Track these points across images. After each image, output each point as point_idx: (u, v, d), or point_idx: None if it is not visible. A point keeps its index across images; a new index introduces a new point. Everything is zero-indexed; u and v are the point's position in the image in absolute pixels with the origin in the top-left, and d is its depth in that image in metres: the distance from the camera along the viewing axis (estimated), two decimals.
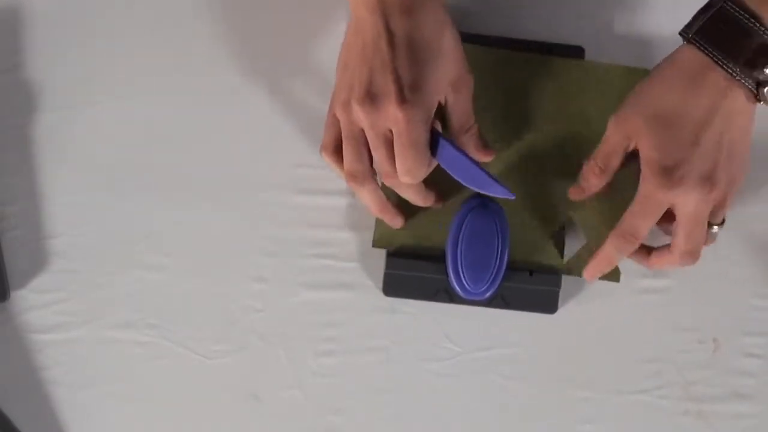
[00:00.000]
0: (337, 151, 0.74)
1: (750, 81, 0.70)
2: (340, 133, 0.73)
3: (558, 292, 0.80)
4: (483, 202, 0.78)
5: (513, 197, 0.73)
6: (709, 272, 0.82)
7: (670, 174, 0.71)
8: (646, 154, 0.72)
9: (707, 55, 0.71)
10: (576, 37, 0.82)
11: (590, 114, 0.80)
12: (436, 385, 0.79)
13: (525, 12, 0.83)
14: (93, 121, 0.81)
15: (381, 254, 0.80)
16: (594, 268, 0.77)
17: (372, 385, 0.81)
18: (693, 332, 0.82)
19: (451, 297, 0.80)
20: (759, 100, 0.71)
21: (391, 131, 0.71)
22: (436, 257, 0.79)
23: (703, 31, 0.71)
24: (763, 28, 0.70)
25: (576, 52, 0.81)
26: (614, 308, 0.82)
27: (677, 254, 0.74)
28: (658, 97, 0.72)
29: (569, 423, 0.81)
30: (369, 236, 0.81)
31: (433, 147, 0.72)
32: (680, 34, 0.72)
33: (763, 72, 0.70)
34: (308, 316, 0.81)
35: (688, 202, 0.72)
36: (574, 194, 0.78)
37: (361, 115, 0.70)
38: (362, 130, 0.72)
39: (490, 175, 0.73)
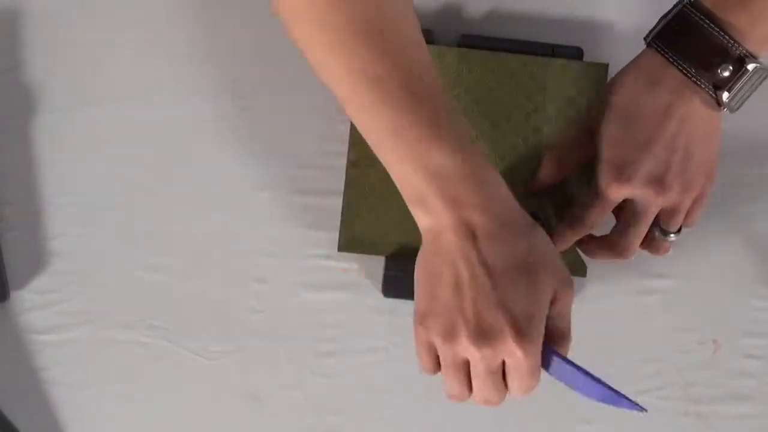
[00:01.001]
0: (438, 370, 0.71)
1: (706, 83, 0.71)
2: (437, 356, 0.70)
3: None
4: None
5: (646, 411, 0.71)
6: (709, 273, 0.82)
7: (620, 172, 0.72)
8: (602, 150, 0.73)
9: (663, 55, 0.71)
10: (575, 38, 0.82)
11: (567, 113, 0.80)
12: (435, 386, 0.79)
13: (524, 13, 0.83)
14: (93, 121, 0.81)
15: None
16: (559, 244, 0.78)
17: (372, 386, 0.81)
18: (693, 333, 0.82)
19: None
20: (720, 105, 0.71)
21: (503, 361, 0.68)
22: None
23: (661, 34, 0.72)
24: (717, 29, 0.70)
25: (575, 52, 0.81)
26: (614, 308, 0.82)
27: (608, 245, 0.76)
28: (618, 95, 0.73)
29: (569, 423, 0.81)
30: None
31: (543, 359, 0.69)
32: (644, 39, 0.73)
33: (719, 73, 0.70)
34: (308, 316, 0.81)
35: (635, 202, 0.73)
36: (534, 185, 0.79)
37: (472, 352, 0.67)
38: (467, 360, 0.68)
39: (614, 390, 0.70)
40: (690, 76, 0.71)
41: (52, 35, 0.82)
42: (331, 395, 0.80)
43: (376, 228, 0.79)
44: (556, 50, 0.81)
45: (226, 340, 0.80)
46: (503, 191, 0.68)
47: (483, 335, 0.66)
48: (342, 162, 0.80)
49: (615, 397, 0.69)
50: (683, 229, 0.76)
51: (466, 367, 0.69)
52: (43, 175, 0.81)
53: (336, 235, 0.81)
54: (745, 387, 0.81)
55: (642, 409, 0.70)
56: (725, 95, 0.71)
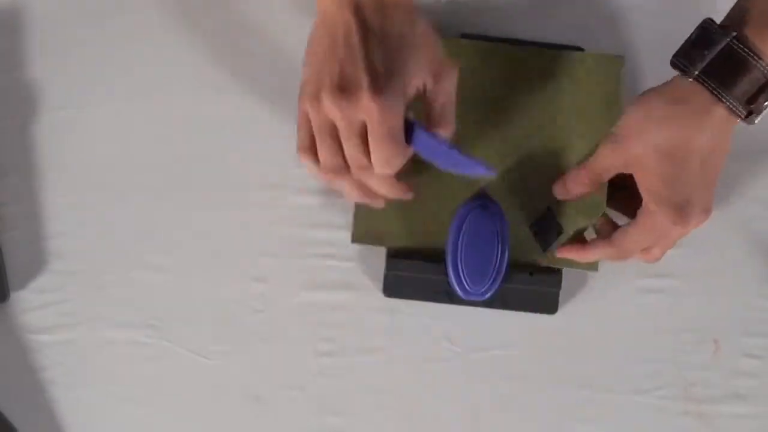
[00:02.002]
0: (314, 150, 0.72)
1: (744, 112, 0.71)
2: (310, 127, 0.71)
3: (558, 293, 0.80)
4: (483, 203, 0.78)
5: (494, 174, 0.71)
6: (709, 272, 0.82)
7: (680, 211, 0.72)
8: (654, 188, 0.72)
9: (713, 93, 0.70)
10: (575, 37, 0.82)
11: (582, 105, 0.80)
12: (436, 386, 0.79)
13: (524, 12, 0.83)
14: (93, 121, 0.81)
15: (381, 254, 0.80)
16: (568, 252, 0.78)
17: (372, 386, 0.81)
18: (693, 333, 0.82)
19: (451, 298, 0.80)
20: (747, 123, 0.71)
21: (364, 123, 0.69)
22: (436, 258, 0.79)
23: (708, 69, 0.70)
24: (764, 66, 0.69)
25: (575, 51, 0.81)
26: (614, 308, 0.82)
27: (642, 255, 0.77)
28: (664, 133, 0.71)
29: (569, 423, 0.81)
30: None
31: (407, 135, 0.70)
32: (677, 65, 0.71)
33: (760, 105, 0.70)
34: (308, 316, 0.81)
35: (685, 232, 0.74)
36: (559, 193, 0.79)
37: (332, 108, 0.68)
38: (334, 124, 0.70)
39: (467, 156, 0.71)
40: (738, 113, 0.70)
41: (52, 35, 0.82)
42: (331, 395, 0.80)
43: (388, 219, 0.79)
44: (556, 49, 0.81)
45: (226, 340, 0.80)
46: None
47: (342, 89, 0.68)
48: None
49: (472, 164, 0.71)
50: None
51: (334, 134, 0.70)
52: (44, 175, 0.81)
53: (336, 235, 0.81)
54: (746, 387, 0.82)
55: (490, 172, 0.71)
56: (757, 119, 0.71)
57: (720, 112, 0.70)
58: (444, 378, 0.81)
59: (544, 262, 0.80)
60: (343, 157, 0.71)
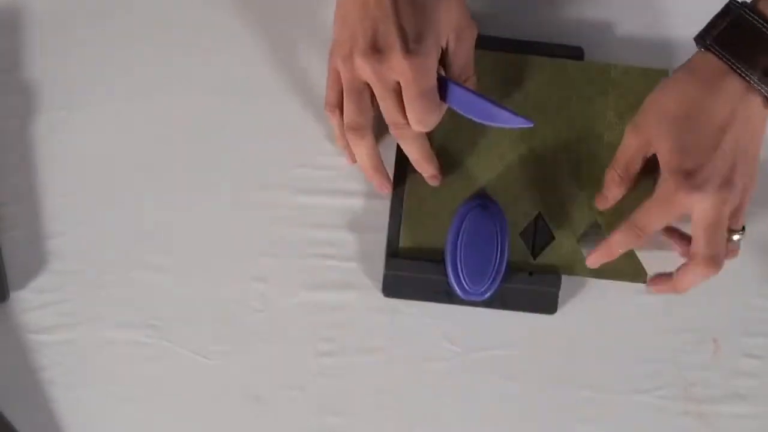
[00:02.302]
0: (341, 107, 0.75)
1: (766, 88, 0.70)
2: (342, 88, 0.74)
3: (557, 293, 0.80)
4: (482, 203, 0.78)
5: (531, 124, 0.73)
6: None
7: (692, 177, 0.71)
8: (667, 157, 0.72)
9: (725, 62, 0.71)
10: (575, 37, 0.82)
11: (590, 113, 0.80)
12: (436, 386, 0.79)
13: (524, 13, 0.83)
14: (93, 121, 0.81)
15: (381, 255, 0.80)
16: (596, 256, 0.78)
17: (372, 386, 0.81)
18: (693, 333, 0.82)
19: (450, 298, 0.80)
20: None
21: (398, 82, 0.71)
22: (436, 258, 0.79)
23: (720, 38, 0.71)
24: None
25: (575, 52, 0.81)
26: (614, 309, 0.82)
27: (700, 261, 0.73)
28: (677, 101, 0.72)
29: (569, 423, 0.81)
30: (369, 237, 0.81)
31: (441, 91, 0.73)
32: (696, 40, 0.72)
33: None
34: (308, 316, 0.81)
35: (707, 207, 0.71)
36: (599, 203, 0.79)
37: (366, 68, 0.71)
38: (365, 83, 0.72)
39: (503, 107, 0.73)
40: (753, 82, 0.70)
41: (52, 35, 0.82)
42: (331, 395, 0.80)
43: (433, 233, 0.79)
44: (557, 50, 0.81)
45: (226, 340, 0.80)
46: None
47: (375, 49, 0.70)
48: (341, 161, 0.81)
49: (509, 115, 0.72)
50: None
51: (364, 92, 0.73)
52: (43, 175, 0.81)
53: (336, 235, 0.81)
54: (746, 387, 0.81)
55: (528, 123, 0.72)
56: None
57: (734, 81, 0.70)
58: (444, 378, 0.81)
59: (584, 273, 0.80)
60: (367, 116, 0.74)
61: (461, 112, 0.73)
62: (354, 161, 0.79)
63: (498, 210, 0.79)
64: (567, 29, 0.82)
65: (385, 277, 0.80)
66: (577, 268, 0.80)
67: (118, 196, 0.81)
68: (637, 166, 0.76)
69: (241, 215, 0.81)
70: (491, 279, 0.78)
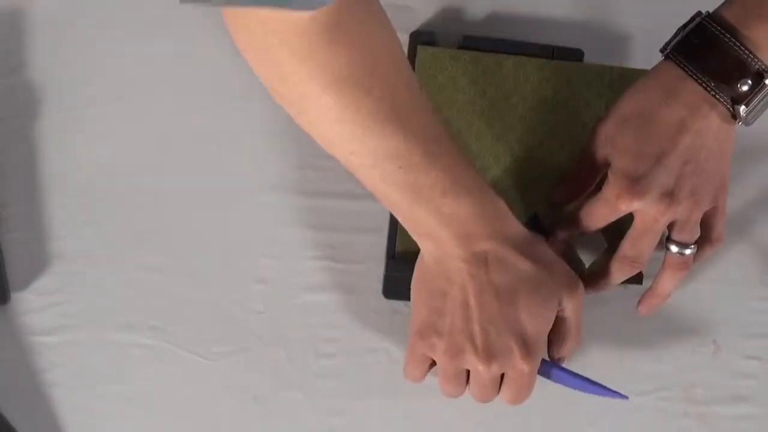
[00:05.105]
0: (421, 377, 0.76)
1: (725, 97, 0.70)
2: (428, 368, 0.75)
3: None
4: None
5: (627, 398, 0.76)
6: (708, 274, 0.82)
7: (632, 184, 0.71)
8: (615, 160, 0.72)
9: (682, 68, 0.70)
10: (575, 39, 0.82)
11: (588, 115, 0.80)
12: (436, 387, 0.79)
13: (524, 15, 0.83)
14: (94, 122, 0.81)
15: (381, 256, 0.80)
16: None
17: (372, 387, 0.81)
18: (693, 334, 0.82)
19: None
20: (735, 119, 0.71)
21: (503, 373, 0.72)
22: None
23: (680, 46, 0.71)
24: (737, 43, 0.69)
25: (575, 54, 0.81)
26: (614, 310, 0.82)
27: (618, 259, 0.75)
28: (633, 107, 0.72)
29: (569, 424, 0.81)
30: (370, 238, 0.81)
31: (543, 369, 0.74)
32: (661, 49, 0.73)
33: (738, 88, 0.70)
34: (309, 317, 0.81)
35: (645, 214, 0.72)
36: (555, 196, 0.79)
37: (480, 369, 0.71)
38: (465, 370, 0.72)
39: (601, 386, 0.76)
40: (709, 90, 0.70)
41: (53, 36, 0.82)
42: (332, 396, 0.80)
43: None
44: (557, 52, 0.81)
45: (227, 341, 0.80)
46: (509, 218, 0.71)
47: (491, 354, 0.70)
48: None
49: (607, 392, 0.76)
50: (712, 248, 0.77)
51: (466, 375, 0.73)
52: (45, 177, 0.81)
53: (337, 237, 0.81)
54: (746, 388, 0.82)
55: (624, 396, 0.76)
56: (742, 109, 0.70)
57: (692, 87, 0.70)
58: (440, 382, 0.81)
59: (580, 273, 0.79)
60: (463, 387, 0.74)
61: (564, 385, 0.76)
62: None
63: None
64: (567, 31, 0.82)
65: (386, 279, 0.80)
66: (573, 268, 0.80)
67: (119, 197, 0.81)
68: (592, 166, 0.75)
69: (242, 216, 0.81)
70: None
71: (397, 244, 0.80)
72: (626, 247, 0.75)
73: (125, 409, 0.79)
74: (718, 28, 0.70)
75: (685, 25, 0.72)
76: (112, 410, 0.79)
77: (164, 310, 0.80)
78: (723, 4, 0.71)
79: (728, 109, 0.70)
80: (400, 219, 0.72)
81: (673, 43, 0.72)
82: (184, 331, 0.80)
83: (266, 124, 0.81)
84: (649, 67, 0.78)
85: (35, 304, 0.80)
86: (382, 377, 0.81)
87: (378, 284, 0.81)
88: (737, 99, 0.70)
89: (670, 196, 0.71)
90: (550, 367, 0.75)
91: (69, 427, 0.79)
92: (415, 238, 0.72)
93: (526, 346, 0.70)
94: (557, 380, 0.75)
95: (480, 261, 0.69)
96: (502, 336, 0.70)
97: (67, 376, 0.79)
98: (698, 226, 0.75)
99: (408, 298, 0.80)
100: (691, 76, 0.70)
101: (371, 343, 0.81)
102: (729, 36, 0.69)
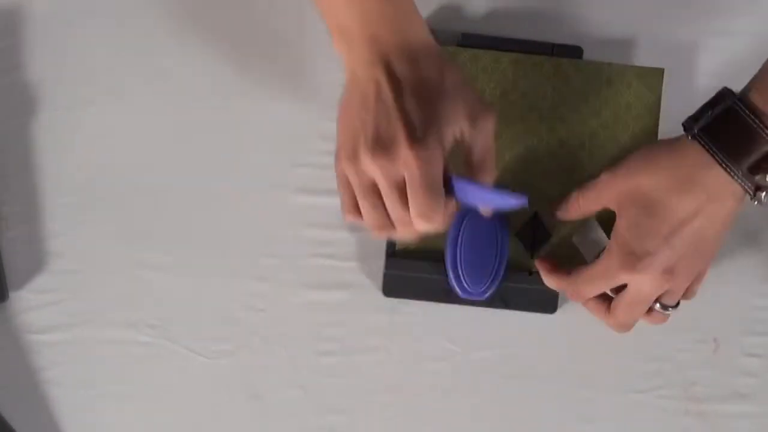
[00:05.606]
0: (359, 209, 0.71)
1: (750, 185, 0.69)
2: (353, 193, 0.70)
3: (557, 292, 0.80)
4: None
5: (525, 202, 0.71)
6: (709, 272, 0.82)
7: (635, 260, 0.72)
8: (621, 231, 0.73)
9: (711, 154, 0.69)
10: (574, 37, 0.82)
11: (586, 112, 0.80)
12: (435, 385, 0.79)
13: (523, 12, 0.83)
14: (93, 121, 0.81)
15: (381, 254, 0.80)
16: (541, 267, 0.79)
17: (372, 385, 0.80)
18: (693, 332, 0.82)
19: (450, 297, 0.80)
20: (752, 200, 0.71)
21: (403, 177, 0.67)
22: (436, 258, 0.79)
23: (709, 129, 0.70)
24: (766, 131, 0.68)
25: (574, 52, 0.81)
26: None
27: (612, 320, 0.76)
28: (650, 183, 0.72)
29: (569, 423, 0.81)
30: (369, 237, 0.80)
31: (448, 188, 0.69)
32: (684, 125, 0.71)
33: (765, 178, 0.69)
34: (309, 315, 0.81)
35: (640, 288, 0.73)
36: (556, 211, 0.79)
37: (371, 165, 0.67)
38: (374, 182, 0.68)
39: (503, 193, 0.71)
40: (736, 178, 0.69)
41: (52, 35, 0.82)
42: (332, 394, 0.80)
43: (433, 232, 0.79)
44: (556, 49, 0.81)
45: (227, 339, 0.80)
46: (423, 33, 0.69)
47: (379, 144, 0.66)
48: None
49: (508, 199, 0.71)
50: (681, 302, 0.77)
51: (375, 191, 0.69)
52: (43, 175, 0.80)
53: (336, 235, 0.81)
54: (746, 386, 0.82)
55: (522, 199, 0.71)
56: (764, 195, 0.70)
57: (717, 174, 0.69)
58: (444, 377, 0.81)
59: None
60: (386, 212, 0.69)
61: (464, 203, 0.71)
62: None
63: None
64: (566, 29, 0.83)
65: (386, 277, 0.80)
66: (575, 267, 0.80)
67: (118, 196, 0.81)
68: (596, 207, 0.76)
69: (243, 215, 0.81)
70: (491, 278, 0.78)
71: (396, 242, 0.80)
72: (620, 313, 0.75)
73: (124, 407, 0.79)
74: (753, 117, 0.68)
75: (712, 104, 0.70)
76: (111, 408, 0.79)
77: (163, 309, 0.80)
78: (753, 88, 0.69)
79: (750, 195, 0.70)
80: (323, 9, 0.70)
81: (701, 125, 0.70)
82: (183, 329, 0.80)
83: (266, 123, 0.81)
84: (647, 64, 0.78)
85: (34, 302, 0.80)
86: (381, 375, 0.81)
87: (377, 282, 0.81)
88: (761, 186, 0.69)
89: (670, 272, 0.72)
90: (452, 181, 0.70)
91: (68, 424, 0.79)
92: (335, 43, 0.70)
93: (413, 133, 0.66)
94: (460, 196, 0.70)
95: (383, 62, 0.67)
96: (390, 125, 0.66)
97: (66, 374, 0.79)
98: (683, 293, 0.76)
99: (408, 296, 0.80)
100: (720, 163, 0.69)
101: (371, 341, 0.81)
102: (761, 124, 0.68)
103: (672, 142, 0.72)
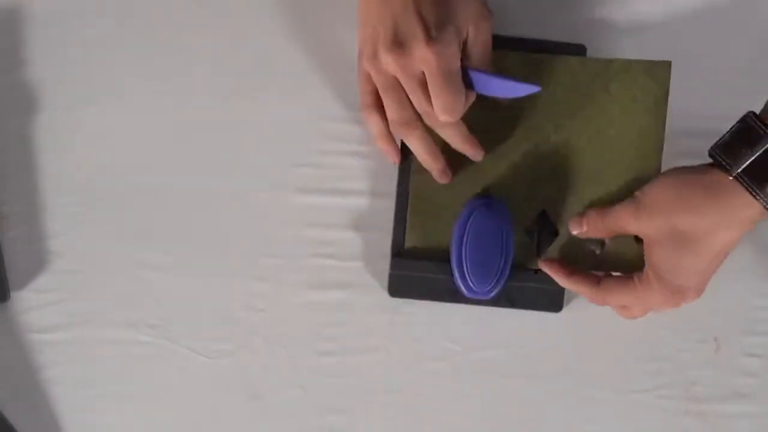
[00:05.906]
0: (378, 108, 0.76)
1: None
2: (376, 90, 0.75)
3: (563, 291, 0.80)
4: (487, 201, 0.78)
5: (538, 88, 0.74)
6: None
7: (677, 294, 0.73)
8: (655, 263, 0.73)
9: (754, 196, 0.69)
10: (577, 35, 0.82)
11: (593, 109, 0.80)
12: (438, 385, 0.79)
13: (526, 11, 0.83)
14: (93, 121, 0.81)
15: (381, 254, 0.80)
16: (550, 269, 0.78)
17: (373, 385, 0.81)
18: (694, 332, 0.82)
19: (456, 297, 0.80)
20: None
21: (423, 72, 0.71)
22: (441, 258, 0.79)
23: (751, 170, 0.69)
24: None
25: (577, 50, 0.81)
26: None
27: (627, 314, 0.78)
28: (689, 222, 0.71)
29: (571, 422, 0.81)
30: (370, 236, 0.81)
31: (465, 80, 0.73)
32: (718, 161, 0.70)
33: None
34: (309, 315, 0.81)
35: (662, 305, 0.75)
36: (573, 226, 0.79)
37: (391, 63, 0.71)
38: (396, 78, 0.73)
39: (516, 81, 0.75)
40: None
41: (52, 35, 0.81)
42: (332, 394, 0.80)
43: (438, 232, 0.79)
44: (559, 47, 0.81)
45: (227, 339, 0.80)
46: None
47: (397, 43, 0.71)
48: (342, 160, 0.81)
49: (523, 86, 0.75)
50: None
51: (399, 86, 0.73)
52: (44, 175, 0.81)
53: (337, 235, 0.81)
54: (747, 386, 0.81)
55: (535, 88, 0.75)
56: None
57: (754, 212, 0.70)
58: (446, 377, 0.81)
59: (588, 270, 0.79)
60: (410, 108, 0.74)
61: (484, 94, 0.75)
62: (398, 160, 0.79)
63: (503, 208, 0.78)
64: (570, 27, 0.82)
65: (391, 277, 0.80)
66: (581, 265, 0.80)
67: (118, 196, 0.81)
68: (621, 233, 0.76)
69: (243, 215, 0.81)
70: (497, 277, 0.78)
71: (406, 240, 0.79)
72: (637, 313, 0.78)
73: (124, 407, 0.79)
74: None
75: (750, 143, 0.69)
76: (112, 408, 0.80)
77: (164, 309, 0.80)
78: None
79: None
80: None
81: (741, 164, 0.69)
82: (184, 329, 0.80)
83: (266, 123, 0.81)
84: (649, 57, 0.78)
85: (35, 302, 0.80)
86: (382, 375, 0.81)
87: (378, 282, 0.81)
88: None
89: (700, 291, 0.74)
90: (467, 69, 0.74)
91: (68, 424, 0.79)
92: None
93: (430, 31, 0.70)
94: (478, 87, 0.74)
95: None
96: (408, 24, 0.71)
97: (66, 374, 0.79)
98: None
99: (414, 297, 0.80)
100: (759, 201, 0.69)
101: (372, 340, 0.81)
102: None
103: (702, 177, 0.71)
